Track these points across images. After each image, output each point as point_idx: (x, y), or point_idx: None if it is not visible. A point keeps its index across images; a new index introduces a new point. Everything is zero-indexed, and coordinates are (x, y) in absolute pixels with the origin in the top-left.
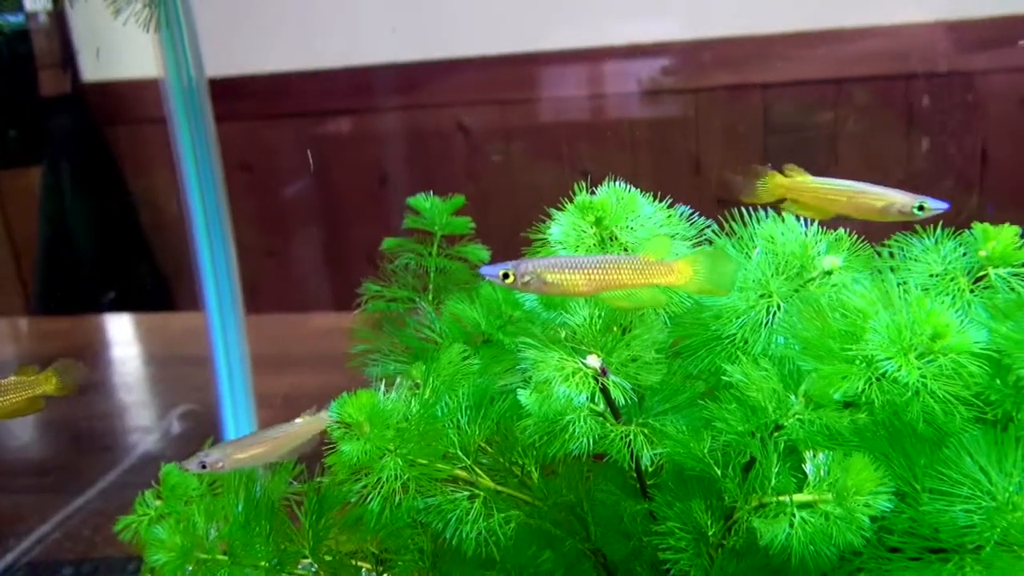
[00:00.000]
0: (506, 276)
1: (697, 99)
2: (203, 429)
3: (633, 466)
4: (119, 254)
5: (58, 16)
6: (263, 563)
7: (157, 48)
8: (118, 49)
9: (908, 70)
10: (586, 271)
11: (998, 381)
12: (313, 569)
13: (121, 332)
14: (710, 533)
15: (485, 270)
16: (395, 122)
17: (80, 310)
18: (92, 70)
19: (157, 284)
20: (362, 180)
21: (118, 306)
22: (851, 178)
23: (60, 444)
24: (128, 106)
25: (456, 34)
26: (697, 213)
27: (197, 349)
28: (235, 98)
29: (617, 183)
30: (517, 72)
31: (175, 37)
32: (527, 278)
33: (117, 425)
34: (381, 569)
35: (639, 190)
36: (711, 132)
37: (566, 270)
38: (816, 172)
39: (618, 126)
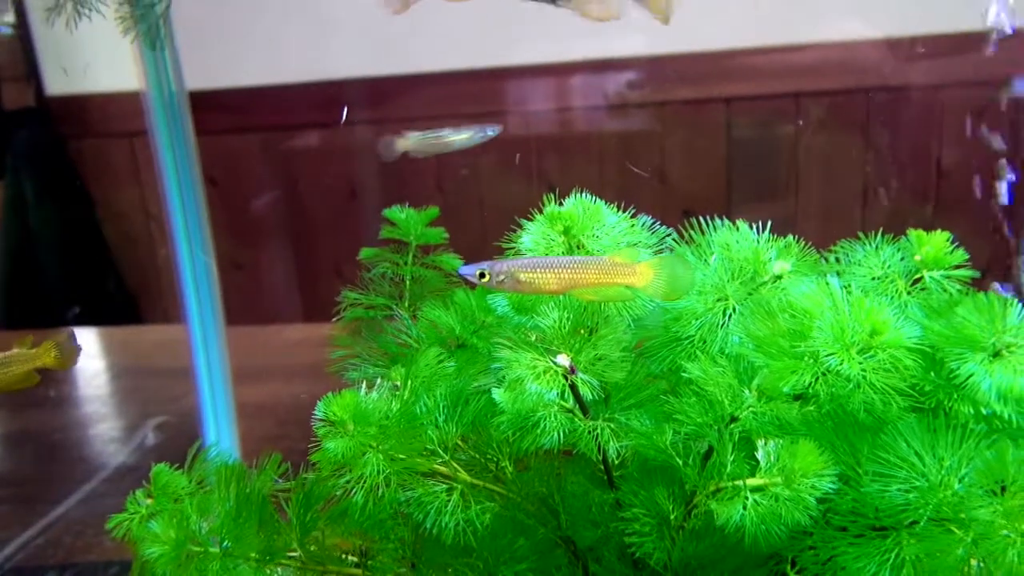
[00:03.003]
0: (482, 275)
1: (662, 113)
2: (178, 440)
3: (600, 458)
4: (84, 268)
5: (22, 30)
6: (253, 555)
7: (139, 62)
8: (84, 63)
9: (865, 84)
10: (556, 271)
11: (932, 374)
12: (302, 563)
13: (92, 346)
14: (672, 517)
15: (463, 270)
16: (363, 136)
17: (45, 324)
18: (57, 84)
19: (123, 298)
20: (331, 193)
21: (84, 320)
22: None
23: (36, 456)
24: (94, 120)
25: (425, 49)
26: (661, 223)
27: (170, 361)
28: (204, 111)
29: (583, 195)
30: (485, 86)
31: (157, 51)
32: (502, 277)
33: (93, 437)
34: (365, 559)
35: (605, 201)
36: (676, 145)
37: (538, 269)
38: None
39: (584, 139)
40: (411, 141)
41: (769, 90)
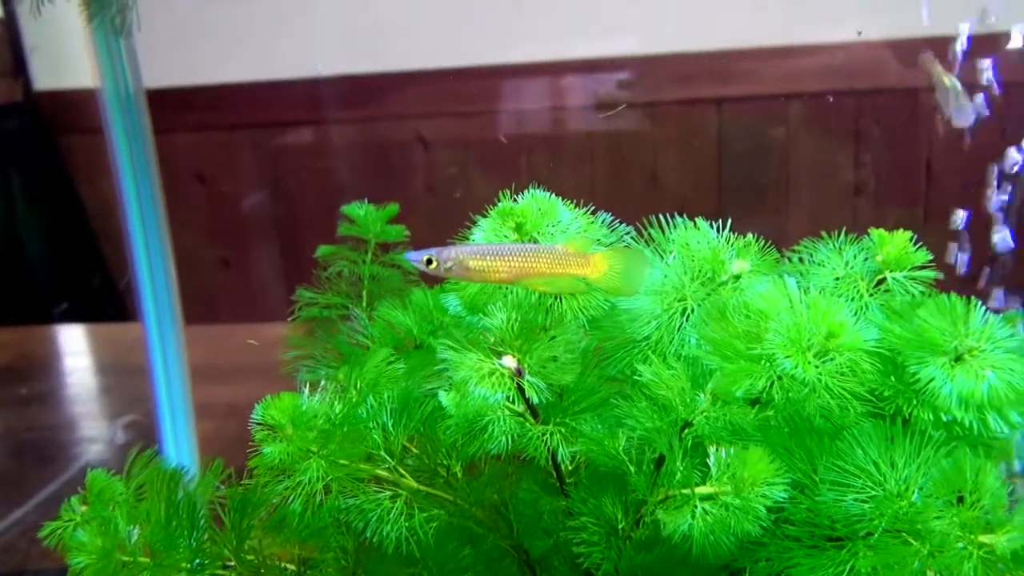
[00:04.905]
0: (429, 262)
1: (653, 113)
2: (148, 439)
3: (552, 464)
4: (70, 263)
5: (9, 23)
6: (184, 564)
7: (94, 58)
8: (70, 57)
9: (857, 86)
10: (507, 259)
11: (892, 379)
12: (238, 573)
13: (69, 342)
14: (620, 526)
15: (410, 256)
16: (353, 134)
17: (30, 320)
18: (45, 79)
19: (109, 294)
20: (319, 191)
21: (70, 316)
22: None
23: (2, 456)
24: (81, 115)
25: (414, 46)
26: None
27: (145, 359)
28: (190, 109)
29: (539, 190)
30: (476, 85)
31: (111, 46)
32: (450, 264)
33: (61, 436)
34: (305, 569)
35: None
36: (667, 145)
37: (488, 257)
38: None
39: (575, 139)
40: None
41: (760, 91)
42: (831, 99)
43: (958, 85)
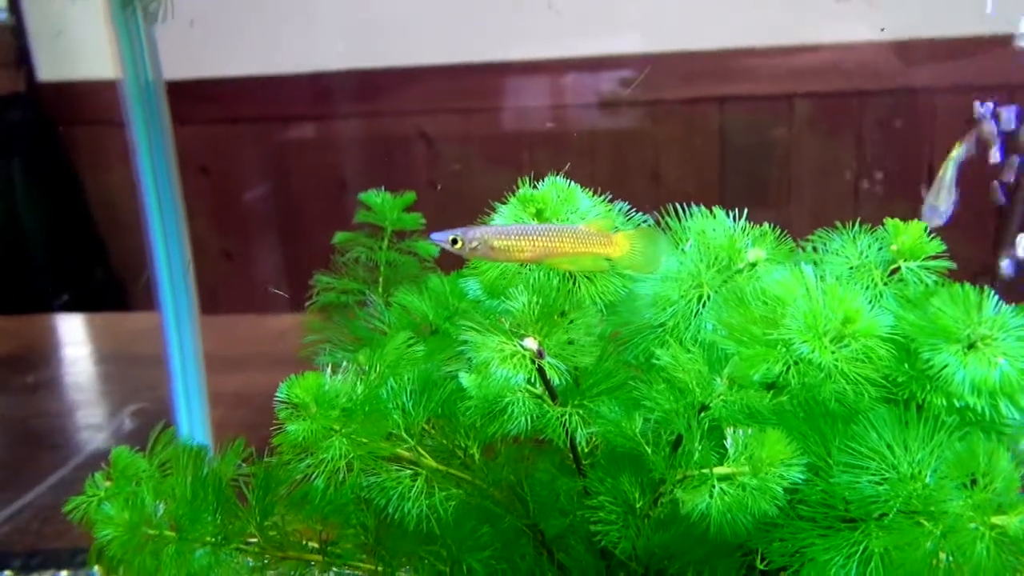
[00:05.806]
0: (455, 242)
1: (655, 111)
2: (155, 427)
3: (569, 445)
4: (73, 254)
5: (14, 14)
6: (209, 538)
7: (115, 49)
8: (75, 49)
9: (859, 87)
10: (531, 238)
11: (906, 365)
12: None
13: (74, 331)
14: (637, 506)
15: (435, 236)
16: (356, 129)
17: (33, 309)
18: (49, 70)
19: (112, 284)
20: (322, 186)
21: (73, 306)
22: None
23: (10, 442)
24: (84, 106)
25: (417, 42)
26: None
27: (150, 348)
28: (196, 101)
29: (557, 178)
30: (479, 81)
31: (132, 36)
32: (475, 244)
33: (68, 423)
34: (326, 545)
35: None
36: (669, 143)
37: (512, 237)
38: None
39: (577, 136)
40: None
41: (763, 90)
42: (834, 100)
43: (948, 179)
